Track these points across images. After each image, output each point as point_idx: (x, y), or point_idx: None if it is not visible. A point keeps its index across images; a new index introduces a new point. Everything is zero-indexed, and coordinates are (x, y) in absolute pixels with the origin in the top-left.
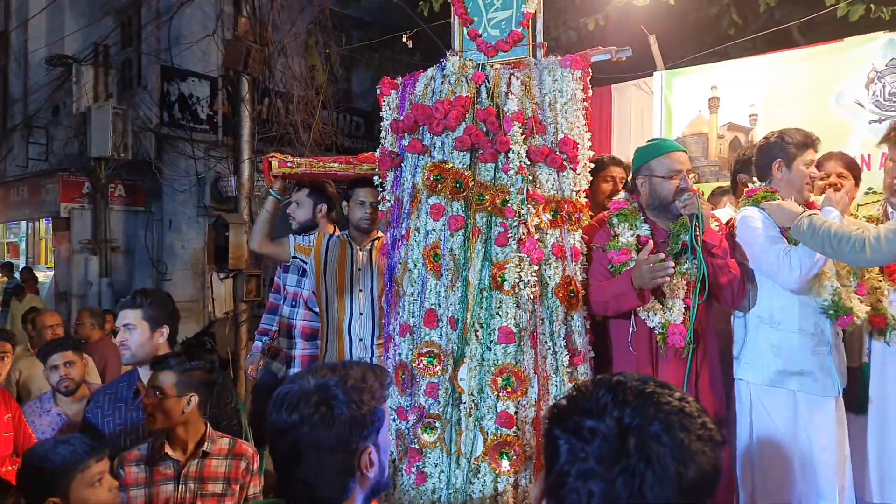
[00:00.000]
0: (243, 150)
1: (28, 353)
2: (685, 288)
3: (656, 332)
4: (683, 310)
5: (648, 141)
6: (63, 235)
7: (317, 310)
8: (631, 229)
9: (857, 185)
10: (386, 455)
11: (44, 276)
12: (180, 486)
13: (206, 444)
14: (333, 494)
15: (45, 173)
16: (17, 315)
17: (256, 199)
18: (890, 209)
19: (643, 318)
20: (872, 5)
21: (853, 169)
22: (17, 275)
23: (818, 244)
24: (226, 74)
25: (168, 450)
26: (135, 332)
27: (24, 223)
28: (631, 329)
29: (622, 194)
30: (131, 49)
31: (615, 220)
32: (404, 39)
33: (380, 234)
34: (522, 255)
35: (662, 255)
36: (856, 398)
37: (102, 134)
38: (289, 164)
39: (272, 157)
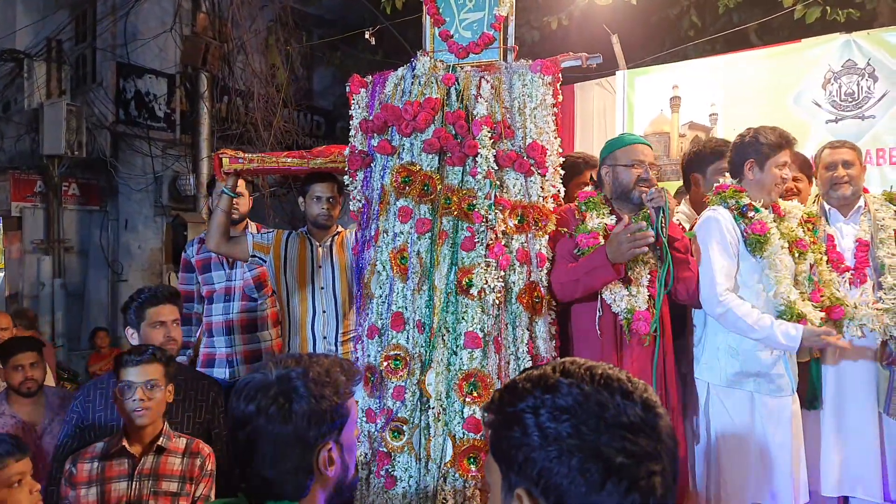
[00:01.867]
0: (202, 148)
1: None
2: (649, 276)
3: (621, 317)
4: (647, 297)
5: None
6: (14, 235)
7: (255, 296)
8: (599, 217)
9: (810, 183)
10: (351, 454)
11: None
12: (134, 484)
13: (161, 439)
14: (290, 490)
15: None
16: None
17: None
18: (826, 205)
19: (609, 301)
20: (828, 7)
21: (806, 170)
22: None
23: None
24: (184, 71)
25: (125, 444)
26: (178, 328)
27: None
28: (598, 313)
29: (589, 187)
30: (86, 45)
31: (583, 208)
32: (367, 36)
33: (340, 228)
34: (490, 260)
35: (643, 224)
36: (805, 394)
37: (55, 131)
38: (240, 161)
39: (223, 153)
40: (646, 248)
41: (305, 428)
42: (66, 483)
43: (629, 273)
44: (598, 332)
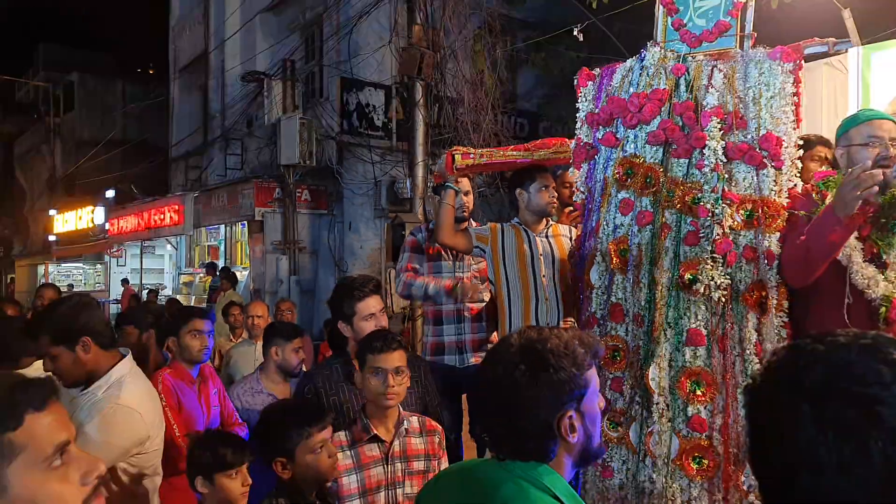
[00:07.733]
0: (417, 153)
1: (230, 341)
2: None
3: (876, 303)
4: None
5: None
6: (257, 237)
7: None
8: None
9: None
10: (594, 424)
11: (240, 275)
12: (388, 467)
13: (404, 423)
14: (534, 452)
15: (241, 181)
16: (217, 309)
17: (429, 199)
18: None
19: (861, 286)
20: None
21: None
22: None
23: None
24: (400, 81)
25: (375, 430)
26: (385, 317)
27: (222, 227)
28: (846, 300)
29: (824, 167)
30: (314, 63)
31: (822, 187)
32: (575, 33)
33: (551, 220)
34: (716, 256)
35: (873, 158)
36: None
37: (290, 143)
38: (471, 157)
39: (456, 150)
40: (875, 190)
41: (545, 394)
42: None
43: (883, 256)
44: (848, 324)
